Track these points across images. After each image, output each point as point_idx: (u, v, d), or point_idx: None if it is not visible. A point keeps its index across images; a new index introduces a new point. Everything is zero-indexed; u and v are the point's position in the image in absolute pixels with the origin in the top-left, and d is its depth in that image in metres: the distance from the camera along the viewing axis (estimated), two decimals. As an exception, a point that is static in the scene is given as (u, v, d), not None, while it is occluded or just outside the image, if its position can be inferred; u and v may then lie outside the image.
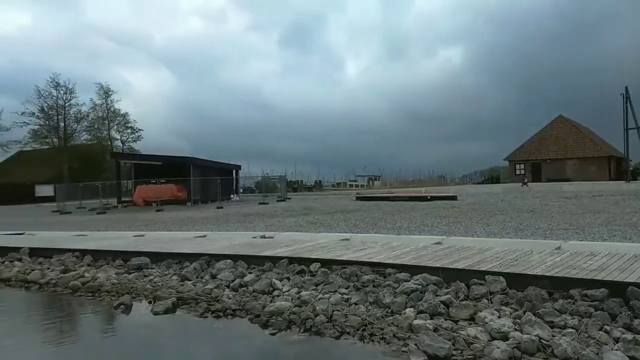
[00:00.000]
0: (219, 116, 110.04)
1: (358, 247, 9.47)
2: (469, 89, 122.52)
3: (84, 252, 11.00)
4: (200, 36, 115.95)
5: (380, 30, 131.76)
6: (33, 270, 10.12)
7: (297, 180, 67.91)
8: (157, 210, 27.85)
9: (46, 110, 62.56)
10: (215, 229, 15.55)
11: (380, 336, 5.47)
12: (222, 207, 28.09)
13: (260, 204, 30.98)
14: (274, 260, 8.77)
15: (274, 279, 7.76)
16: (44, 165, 60.87)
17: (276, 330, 6.04)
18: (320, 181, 72.89)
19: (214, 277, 8.45)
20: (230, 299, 7.25)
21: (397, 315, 5.93)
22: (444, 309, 5.90)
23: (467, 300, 6.13)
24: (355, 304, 6.48)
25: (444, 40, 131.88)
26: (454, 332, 5.32)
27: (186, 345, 6.08)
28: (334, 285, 7.16)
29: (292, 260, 8.62)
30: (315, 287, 7.30)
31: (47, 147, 64.56)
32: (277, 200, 33.46)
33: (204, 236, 12.94)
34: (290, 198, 36.20)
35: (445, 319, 5.70)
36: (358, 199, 30.88)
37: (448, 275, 6.89)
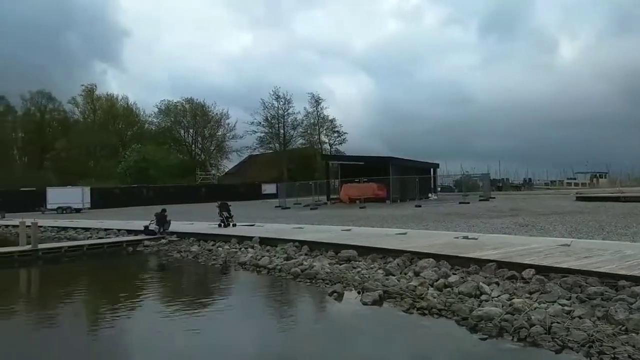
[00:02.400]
0: (416, 115, 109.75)
1: (581, 254, 8.34)
2: None
3: (302, 243, 12.40)
4: (396, 37, 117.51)
5: (603, 1, 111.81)
6: (263, 256, 11.86)
7: (502, 179, 63.15)
8: (361, 207, 29.37)
9: (269, 119, 72.53)
10: (415, 227, 15.65)
11: (612, 356, 4.75)
12: (420, 206, 28.06)
13: (460, 203, 29.88)
14: (481, 262, 8.40)
15: (481, 283, 7.43)
16: (268, 167, 70.82)
17: (486, 336, 5.78)
18: (529, 179, 66.28)
19: (417, 274, 8.54)
20: (435, 298, 7.23)
21: (632, 334, 5.06)
22: (702, 334, 4.79)
23: None
24: (580, 317, 5.74)
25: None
26: None
27: (394, 338, 6.30)
28: (552, 295, 6.47)
29: (500, 264, 8.12)
30: (529, 295, 6.73)
31: (270, 151, 74.83)
32: (480, 200, 31.72)
33: (405, 233, 13.17)
34: (494, 197, 33.91)
35: None
36: (579, 199, 27.06)
37: None
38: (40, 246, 15.19)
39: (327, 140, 77.20)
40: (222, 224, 18.15)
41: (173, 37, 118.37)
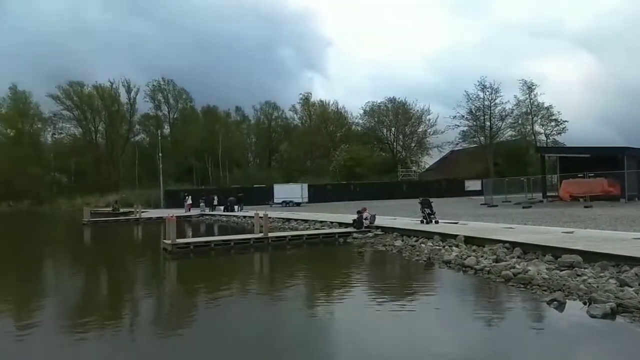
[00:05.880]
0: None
1: None
2: None
3: (513, 244, 11.49)
4: (624, 6, 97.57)
5: None
6: (469, 256, 11.40)
7: None
8: (586, 207, 25.58)
9: (473, 112, 69.20)
10: (663, 232, 12.89)
11: None
12: (671, 206, 22.95)
13: None
14: None
15: None
16: (472, 162, 67.67)
17: None
18: None
19: (664, 288, 7.05)
20: (691, 318, 5.86)
21: None
22: None
23: None
24: None
25: None
26: None
27: (634, 358, 5.34)
28: None
29: None
30: None
31: (474, 145, 71.33)
32: None
33: (648, 239, 10.97)
34: None
35: None
36: None
37: None
38: (270, 234, 17.70)
39: (542, 131, 69.91)
40: (424, 221, 18.10)
41: (372, 41, 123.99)
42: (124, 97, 78.30)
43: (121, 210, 46.26)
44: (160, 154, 57.88)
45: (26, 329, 7.38)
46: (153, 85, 78.80)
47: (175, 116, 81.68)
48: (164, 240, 16.66)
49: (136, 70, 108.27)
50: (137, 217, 36.60)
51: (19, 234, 31.49)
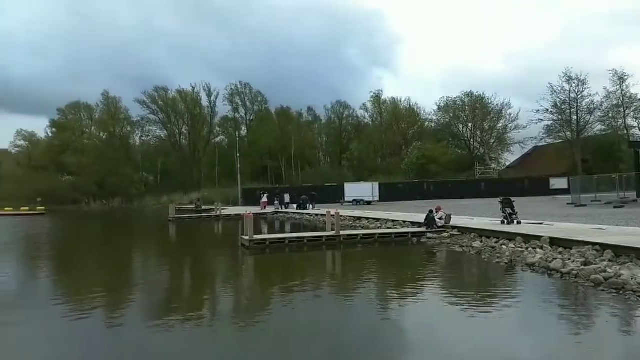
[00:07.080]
0: None
1: None
2: None
3: (604, 247, 10.64)
4: None
5: None
6: (555, 259, 10.73)
7: None
8: (691, 207, 23.09)
9: (559, 105, 64.71)
10: None
11: None
12: None
13: None
14: None
15: None
16: (557, 159, 63.40)
17: None
18: None
19: None
20: None
21: None
22: None
23: None
24: None
25: None
26: None
27: None
28: None
29: None
30: None
31: (560, 141, 66.73)
32: None
33: None
34: None
35: None
36: None
37: None
38: (342, 232, 17.83)
39: (635, 124, 63.81)
40: (505, 221, 17.24)
41: (443, 36, 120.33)
42: (204, 101, 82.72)
43: (203, 207, 48.86)
44: (238, 154, 60.30)
45: (117, 315, 8.09)
46: (231, 89, 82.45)
47: (251, 118, 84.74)
48: (242, 236, 17.38)
49: (210, 73, 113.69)
50: (218, 214, 38.49)
51: (114, 230, 34.42)
